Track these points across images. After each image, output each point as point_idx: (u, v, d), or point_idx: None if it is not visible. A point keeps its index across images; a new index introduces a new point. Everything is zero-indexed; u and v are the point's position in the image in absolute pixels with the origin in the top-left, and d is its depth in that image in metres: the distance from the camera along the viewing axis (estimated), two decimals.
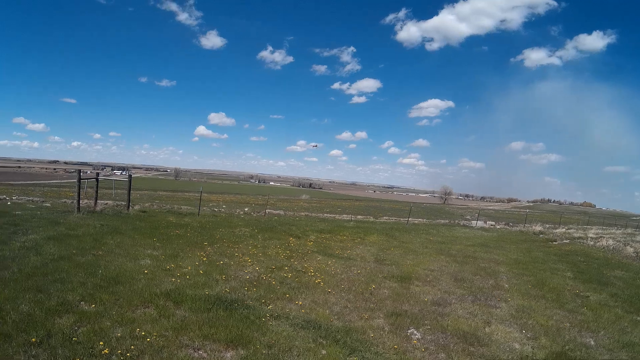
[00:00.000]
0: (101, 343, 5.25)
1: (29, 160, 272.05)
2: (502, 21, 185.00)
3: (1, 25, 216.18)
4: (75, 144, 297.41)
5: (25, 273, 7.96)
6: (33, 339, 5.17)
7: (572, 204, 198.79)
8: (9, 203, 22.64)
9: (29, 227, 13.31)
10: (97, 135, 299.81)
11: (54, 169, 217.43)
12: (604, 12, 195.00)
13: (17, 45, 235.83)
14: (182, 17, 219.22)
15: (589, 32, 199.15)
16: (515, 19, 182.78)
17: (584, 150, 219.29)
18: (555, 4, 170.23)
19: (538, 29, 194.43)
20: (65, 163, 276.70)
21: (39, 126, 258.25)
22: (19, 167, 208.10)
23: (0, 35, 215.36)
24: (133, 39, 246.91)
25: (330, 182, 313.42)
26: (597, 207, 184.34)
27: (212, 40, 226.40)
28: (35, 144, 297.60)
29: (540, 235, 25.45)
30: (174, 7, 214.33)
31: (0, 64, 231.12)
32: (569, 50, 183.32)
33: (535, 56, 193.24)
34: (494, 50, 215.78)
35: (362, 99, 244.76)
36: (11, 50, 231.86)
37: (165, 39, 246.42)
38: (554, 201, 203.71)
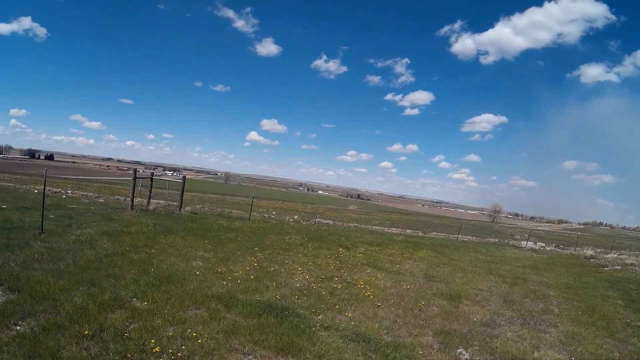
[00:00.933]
0: (152, 341, 5.33)
1: (84, 156, 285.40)
2: (559, 35, 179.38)
3: (63, 26, 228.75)
4: (129, 143, 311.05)
5: (80, 266, 8.25)
6: (86, 332, 5.31)
7: (624, 228, 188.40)
8: (64, 196, 23.71)
9: (83, 221, 13.89)
10: (151, 136, 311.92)
11: (107, 166, 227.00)
12: None
13: (78, 45, 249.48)
14: (239, 24, 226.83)
15: None
16: (573, 32, 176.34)
17: (639, 172, 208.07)
18: (614, 17, 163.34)
19: (596, 43, 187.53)
20: (119, 161, 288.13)
21: (96, 124, 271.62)
22: (74, 162, 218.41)
23: (62, 35, 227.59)
24: (190, 44, 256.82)
25: (378, 193, 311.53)
26: None
27: (268, 48, 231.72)
28: (91, 141, 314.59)
29: (592, 260, 24.32)
30: (230, 14, 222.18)
31: (61, 62, 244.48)
32: (627, 67, 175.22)
33: (592, 72, 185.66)
34: (550, 65, 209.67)
35: (415, 112, 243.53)
36: (72, 50, 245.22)
37: (221, 45, 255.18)
38: (605, 224, 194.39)
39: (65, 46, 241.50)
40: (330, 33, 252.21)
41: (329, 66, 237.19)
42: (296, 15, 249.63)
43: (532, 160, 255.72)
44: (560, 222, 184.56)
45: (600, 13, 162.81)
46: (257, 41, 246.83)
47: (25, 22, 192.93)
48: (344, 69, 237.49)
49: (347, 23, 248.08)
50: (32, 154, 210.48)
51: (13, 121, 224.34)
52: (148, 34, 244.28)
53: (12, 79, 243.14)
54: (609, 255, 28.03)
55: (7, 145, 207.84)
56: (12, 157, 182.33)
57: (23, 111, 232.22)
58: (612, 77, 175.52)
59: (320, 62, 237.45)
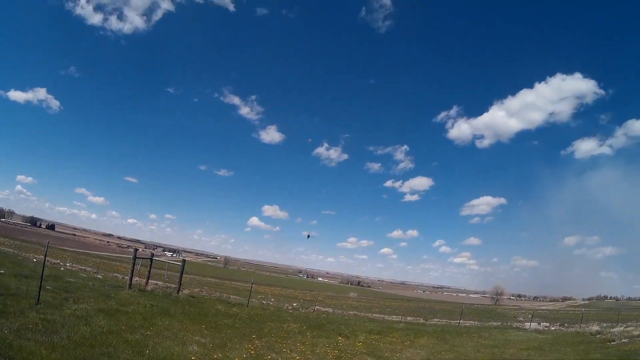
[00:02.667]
0: None
1: (85, 230, 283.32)
2: (551, 114, 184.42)
3: (75, 101, 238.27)
4: (131, 221, 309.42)
5: (74, 341, 8.11)
6: None
7: (629, 299, 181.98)
8: (62, 268, 23.62)
9: (80, 295, 13.76)
10: (153, 216, 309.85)
11: (108, 242, 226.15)
12: None
13: (88, 121, 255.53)
14: (244, 111, 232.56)
15: (638, 117, 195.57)
16: (564, 110, 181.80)
17: None
18: (603, 92, 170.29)
19: (587, 118, 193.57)
20: (119, 238, 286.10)
21: (99, 199, 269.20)
22: (74, 234, 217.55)
23: (74, 109, 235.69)
24: (196, 128, 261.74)
25: (379, 280, 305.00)
26: None
27: (272, 135, 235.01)
28: (93, 216, 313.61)
29: (598, 336, 23.47)
30: (236, 101, 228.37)
31: (71, 136, 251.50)
32: (619, 138, 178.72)
33: (586, 147, 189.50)
34: (544, 144, 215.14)
35: (415, 197, 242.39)
36: (82, 125, 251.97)
37: (226, 130, 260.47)
38: (610, 297, 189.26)
39: (75, 121, 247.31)
40: (331, 121, 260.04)
41: (330, 154, 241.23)
42: (299, 104, 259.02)
43: (532, 239, 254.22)
44: (565, 299, 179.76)
45: (590, 89, 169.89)
46: (262, 128, 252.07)
47: (41, 93, 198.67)
48: (345, 156, 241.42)
49: (348, 112, 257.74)
50: (34, 221, 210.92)
51: (18, 187, 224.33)
52: (156, 115, 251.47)
53: (22, 146, 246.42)
54: (616, 329, 27.16)
55: (10, 209, 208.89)
56: (14, 223, 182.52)
57: (29, 179, 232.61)
58: (605, 149, 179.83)
59: (322, 150, 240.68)
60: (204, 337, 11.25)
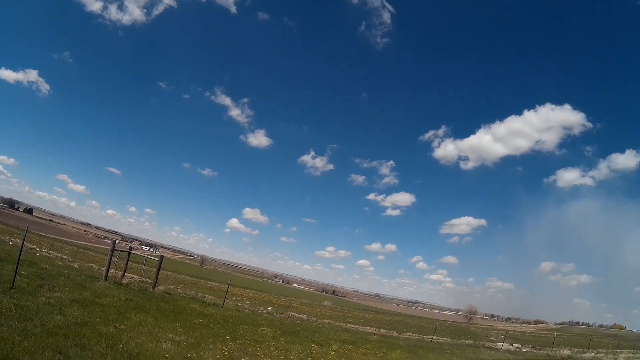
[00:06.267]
0: None
1: (62, 217, 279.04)
2: (537, 142, 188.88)
3: (66, 87, 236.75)
4: (110, 212, 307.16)
5: (47, 330, 7.98)
6: None
7: (601, 326, 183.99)
8: (38, 255, 23.24)
9: (55, 284, 13.56)
10: (133, 209, 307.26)
11: (85, 231, 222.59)
12: (637, 131, 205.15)
13: (76, 108, 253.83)
14: (234, 112, 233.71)
15: (622, 151, 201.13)
16: (550, 139, 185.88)
17: (615, 271, 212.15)
18: (591, 125, 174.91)
19: (572, 149, 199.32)
20: (97, 228, 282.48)
21: (80, 188, 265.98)
22: (52, 220, 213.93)
23: (63, 95, 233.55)
24: (184, 125, 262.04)
25: (354, 291, 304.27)
26: (628, 329, 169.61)
27: (259, 139, 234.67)
28: (73, 204, 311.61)
29: None
30: (228, 102, 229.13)
31: (57, 122, 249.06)
32: (602, 170, 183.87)
33: (568, 176, 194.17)
34: (528, 171, 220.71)
35: (396, 212, 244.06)
36: (69, 111, 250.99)
37: (214, 130, 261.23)
38: (582, 323, 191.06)
39: (64, 106, 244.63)
40: (320, 131, 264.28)
41: (316, 162, 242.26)
42: (290, 111, 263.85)
43: (509, 263, 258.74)
44: (537, 322, 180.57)
45: (578, 121, 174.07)
46: (250, 132, 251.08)
47: (32, 75, 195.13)
48: (330, 166, 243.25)
49: (337, 123, 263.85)
50: (12, 204, 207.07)
51: (0, 167, 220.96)
52: (145, 108, 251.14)
53: (7, 126, 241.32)
54: (586, 355, 27.49)
55: None
56: None
57: (11, 160, 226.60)
58: (587, 180, 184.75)
59: (307, 158, 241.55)
60: (178, 336, 11.13)
